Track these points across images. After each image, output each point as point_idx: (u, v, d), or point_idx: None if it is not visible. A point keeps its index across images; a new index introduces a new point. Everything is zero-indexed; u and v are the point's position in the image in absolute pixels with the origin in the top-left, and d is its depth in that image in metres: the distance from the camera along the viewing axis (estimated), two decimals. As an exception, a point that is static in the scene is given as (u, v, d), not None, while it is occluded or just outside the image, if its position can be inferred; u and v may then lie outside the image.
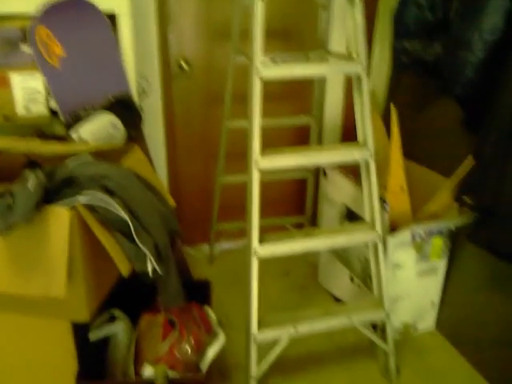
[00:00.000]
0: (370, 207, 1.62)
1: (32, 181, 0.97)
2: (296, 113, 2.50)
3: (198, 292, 1.60)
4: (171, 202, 1.32)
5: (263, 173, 1.47)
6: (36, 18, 1.47)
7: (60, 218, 1.00)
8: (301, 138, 2.55)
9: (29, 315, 1.19)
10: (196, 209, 2.63)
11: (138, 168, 1.21)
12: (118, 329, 1.44)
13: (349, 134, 2.46)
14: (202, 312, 1.54)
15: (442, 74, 1.69)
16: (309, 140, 2.45)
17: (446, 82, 1.68)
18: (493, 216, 1.50)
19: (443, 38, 1.70)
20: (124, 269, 1.10)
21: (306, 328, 1.62)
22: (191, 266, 1.99)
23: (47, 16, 1.48)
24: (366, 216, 1.65)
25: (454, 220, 1.80)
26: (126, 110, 1.45)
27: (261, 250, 1.50)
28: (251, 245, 1.50)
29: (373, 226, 1.61)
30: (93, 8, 1.54)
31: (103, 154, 1.18)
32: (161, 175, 2.33)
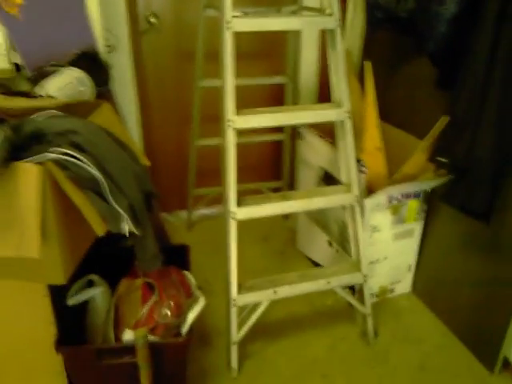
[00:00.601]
0: (347, 169, 1.62)
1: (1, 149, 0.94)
2: (271, 73, 2.45)
3: (176, 257, 1.60)
4: (144, 160, 1.30)
5: (238, 134, 1.45)
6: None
7: (29, 174, 0.97)
8: (276, 99, 2.52)
9: (3, 278, 1.17)
10: (172, 174, 2.58)
11: (108, 126, 1.18)
12: (97, 293, 1.43)
13: (325, 94, 2.44)
14: (181, 276, 1.54)
15: (416, 30, 1.68)
16: (284, 100, 2.42)
17: (420, 38, 1.66)
18: (466, 175, 1.52)
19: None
20: (98, 228, 1.08)
21: (285, 291, 1.63)
22: (169, 232, 1.98)
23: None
24: (343, 178, 1.66)
25: (430, 182, 1.82)
26: (92, 65, 1.41)
27: (239, 212, 1.50)
28: (229, 208, 1.49)
29: (349, 188, 1.62)
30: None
31: (71, 111, 1.14)
32: (133, 137, 2.28)
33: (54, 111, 1.14)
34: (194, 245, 1.75)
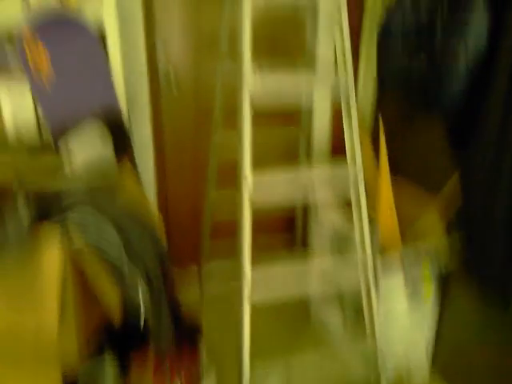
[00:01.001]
0: (360, 228, 1.59)
1: (25, 215, 0.96)
2: (284, 126, 2.43)
3: (188, 332, 1.58)
4: (160, 226, 1.29)
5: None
6: (27, 28, 1.48)
7: (51, 255, 0.99)
8: (289, 152, 2.50)
9: (16, 367, 1.13)
10: (186, 229, 2.54)
11: (128, 189, 1.19)
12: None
13: (337, 148, 2.42)
14: (193, 356, 1.52)
15: (428, 88, 1.64)
16: (297, 154, 2.43)
17: (432, 95, 1.62)
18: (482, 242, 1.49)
19: (429, 49, 1.62)
20: (115, 310, 1.08)
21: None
22: (180, 289, 1.89)
23: (38, 29, 1.49)
24: (356, 237, 1.62)
25: (446, 262, 1.76)
26: (114, 124, 1.44)
27: (254, 294, 1.43)
28: (244, 291, 1.42)
29: (366, 271, 1.59)
30: (81, 24, 1.57)
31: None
32: (149, 193, 2.27)
33: (80, 191, 1.17)
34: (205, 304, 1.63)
